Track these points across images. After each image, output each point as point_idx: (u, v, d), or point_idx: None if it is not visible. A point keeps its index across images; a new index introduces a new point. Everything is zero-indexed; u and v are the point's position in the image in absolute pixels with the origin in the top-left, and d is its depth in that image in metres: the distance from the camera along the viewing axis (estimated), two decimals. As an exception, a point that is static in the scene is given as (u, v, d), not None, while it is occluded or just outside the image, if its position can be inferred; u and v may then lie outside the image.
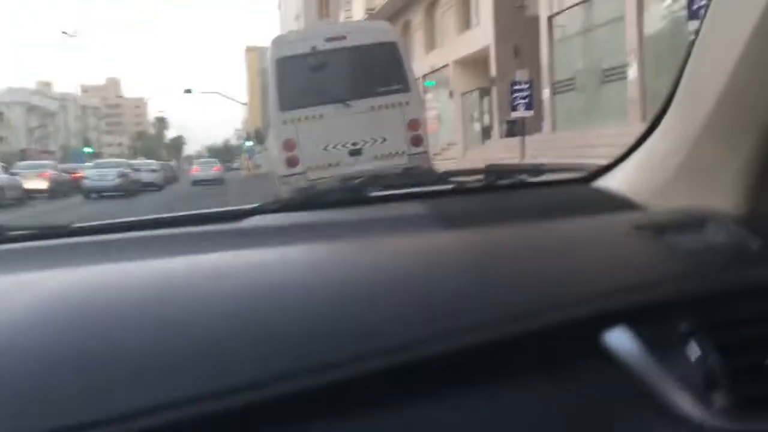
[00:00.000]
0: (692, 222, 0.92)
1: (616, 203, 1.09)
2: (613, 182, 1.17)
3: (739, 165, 0.93)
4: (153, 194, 25.90)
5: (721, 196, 0.96)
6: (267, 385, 0.60)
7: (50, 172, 26.62)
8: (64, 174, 28.33)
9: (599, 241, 0.92)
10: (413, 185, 1.37)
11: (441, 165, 19.26)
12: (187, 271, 0.86)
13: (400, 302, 0.72)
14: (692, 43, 0.96)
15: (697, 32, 0.95)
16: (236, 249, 0.94)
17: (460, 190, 1.33)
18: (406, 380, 0.64)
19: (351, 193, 1.31)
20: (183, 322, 0.69)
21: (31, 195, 22.86)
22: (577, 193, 1.23)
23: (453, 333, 0.66)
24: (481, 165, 13.97)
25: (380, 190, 1.31)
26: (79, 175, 26.77)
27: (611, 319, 0.70)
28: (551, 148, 15.68)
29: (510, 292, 0.74)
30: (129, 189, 24.49)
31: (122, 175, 24.89)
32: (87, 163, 30.33)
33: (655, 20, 14.50)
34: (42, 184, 24.57)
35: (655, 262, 0.84)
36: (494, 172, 1.46)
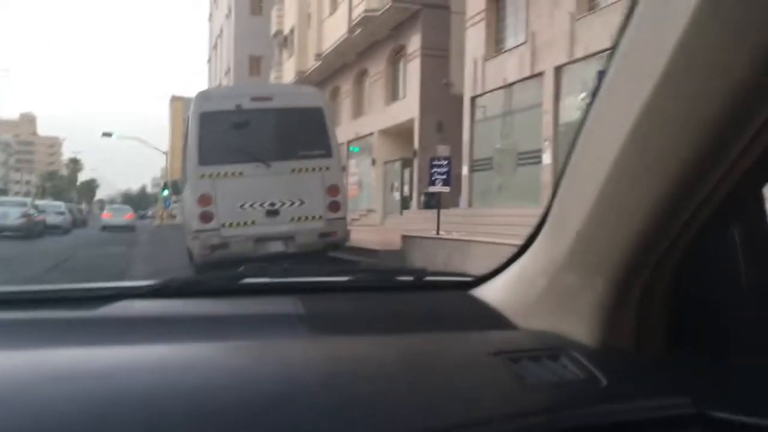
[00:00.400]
0: (547, 351, 0.96)
1: (486, 318, 1.13)
2: (489, 292, 1.21)
3: (595, 297, 0.96)
4: (56, 237, 24.90)
5: (580, 323, 0.99)
6: None
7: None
8: (-40, 209, 26.63)
9: (460, 365, 0.94)
10: (294, 276, 1.36)
11: (359, 231, 19.35)
12: (42, 366, 0.81)
13: (250, 423, 0.71)
14: (563, 171, 0.99)
15: (565, 164, 0.98)
16: (97, 344, 0.90)
17: (341, 287, 1.34)
18: None
19: (226, 282, 1.28)
20: (29, 428, 0.66)
21: None
22: (454, 302, 1.26)
23: None
24: (397, 234, 14.14)
25: (259, 279, 1.29)
26: None
27: None
28: (466, 224, 16.05)
29: (364, 417, 0.75)
30: (32, 230, 23.61)
31: (25, 215, 23.82)
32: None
33: (571, 110, 15.27)
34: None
35: (505, 394, 0.86)
36: (378, 271, 1.47)
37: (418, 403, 0.80)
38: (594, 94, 0.90)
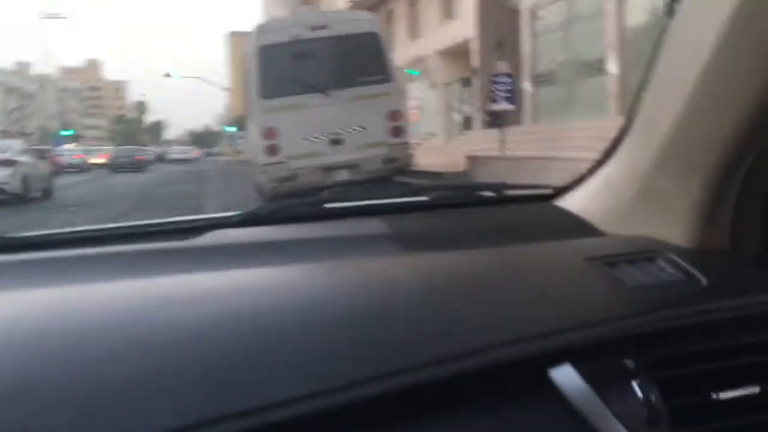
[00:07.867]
0: (642, 255, 0.94)
1: (574, 227, 1.11)
2: (573, 202, 1.19)
3: (690, 199, 0.94)
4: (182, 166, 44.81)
5: (673, 226, 0.98)
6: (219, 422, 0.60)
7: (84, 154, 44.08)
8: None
9: (553, 272, 0.94)
10: (374, 198, 1.38)
11: (422, 155, 19.29)
12: (145, 295, 0.84)
13: (353, 336, 0.73)
14: (648, 74, 0.97)
15: (650, 66, 0.96)
16: (195, 271, 0.92)
17: (423, 206, 1.34)
18: (358, 416, 0.65)
19: (310, 208, 1.30)
20: (139, 352, 0.68)
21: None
22: (538, 213, 1.24)
23: (402, 371, 0.68)
24: (461, 156, 14.01)
25: (341, 203, 1.31)
26: (104, 155, 43.70)
27: (558, 357, 0.73)
28: (532, 141, 15.76)
29: (461, 326, 0.76)
30: (141, 166, 38.32)
31: (136, 156, 41.54)
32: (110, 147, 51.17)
33: (637, 14, 14.54)
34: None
35: (603, 298, 0.86)
36: (457, 187, 1.42)
37: (514, 312, 0.80)
38: None
